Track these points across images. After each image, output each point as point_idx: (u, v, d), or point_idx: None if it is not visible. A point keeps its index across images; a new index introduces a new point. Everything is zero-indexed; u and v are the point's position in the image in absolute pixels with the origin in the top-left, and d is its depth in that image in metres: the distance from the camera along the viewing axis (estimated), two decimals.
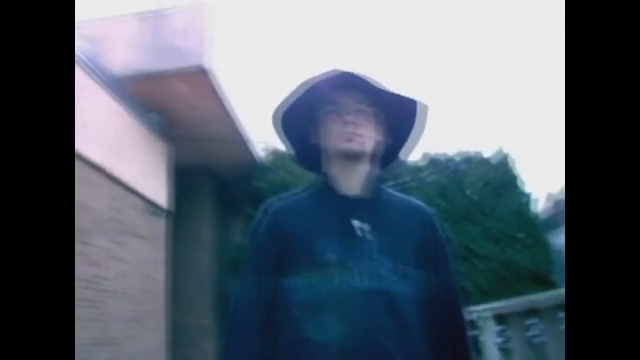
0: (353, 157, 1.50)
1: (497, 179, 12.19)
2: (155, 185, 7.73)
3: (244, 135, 9.44)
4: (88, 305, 5.37)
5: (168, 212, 8.23)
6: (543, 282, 11.04)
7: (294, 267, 1.40)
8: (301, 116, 1.57)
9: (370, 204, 1.50)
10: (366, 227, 1.43)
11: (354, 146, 1.48)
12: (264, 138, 10.82)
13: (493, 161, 12.47)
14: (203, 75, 7.44)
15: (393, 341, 1.32)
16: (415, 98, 1.56)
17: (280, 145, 9.51)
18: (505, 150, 12.70)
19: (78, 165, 5.47)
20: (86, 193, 5.53)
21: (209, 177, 10.65)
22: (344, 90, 1.50)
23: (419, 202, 1.61)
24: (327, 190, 1.53)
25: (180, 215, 8.95)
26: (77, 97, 5.41)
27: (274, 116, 1.58)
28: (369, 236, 1.41)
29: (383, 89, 1.49)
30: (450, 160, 12.43)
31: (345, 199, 1.49)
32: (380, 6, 47.81)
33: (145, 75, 7.39)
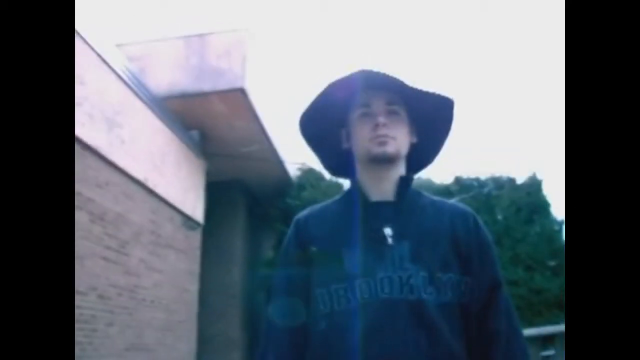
0: (386, 161, 1.41)
1: (529, 204, 12.20)
2: (193, 201, 8.06)
3: (279, 154, 9.74)
4: (126, 312, 5.67)
5: (204, 226, 8.54)
6: None
7: (321, 277, 1.36)
8: (328, 120, 1.51)
9: (404, 210, 1.42)
10: (398, 234, 1.36)
11: (388, 149, 1.39)
12: (300, 158, 11.12)
13: (525, 187, 12.49)
14: (242, 96, 7.75)
15: (423, 355, 1.25)
16: (451, 96, 1.47)
17: (316, 165, 9.74)
18: (539, 177, 12.72)
19: (122, 180, 5.82)
20: (129, 207, 5.86)
21: (243, 193, 10.95)
22: (375, 90, 1.43)
23: (462, 205, 1.51)
24: (357, 196, 1.45)
25: (213, 228, 9.25)
26: (124, 115, 5.78)
27: (300, 120, 1.52)
28: (401, 244, 1.34)
29: (416, 87, 1.41)
30: (482, 184, 12.50)
31: (376, 205, 1.42)
32: (420, 28, 48.04)
33: (187, 95, 7.75)
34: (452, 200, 1.55)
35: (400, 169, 1.46)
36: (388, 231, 1.36)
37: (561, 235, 12.26)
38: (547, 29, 46.70)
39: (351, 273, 1.32)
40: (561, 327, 4.16)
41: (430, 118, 1.50)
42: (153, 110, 6.86)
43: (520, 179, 12.66)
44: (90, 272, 5.04)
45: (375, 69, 1.37)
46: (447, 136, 1.54)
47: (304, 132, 1.54)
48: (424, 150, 1.54)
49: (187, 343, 7.61)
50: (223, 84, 7.72)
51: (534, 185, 12.46)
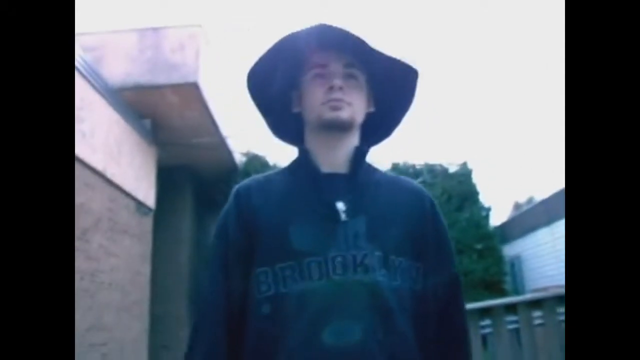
0: (339, 128, 1.28)
1: (460, 192, 13.09)
2: (146, 188, 8.43)
3: (228, 144, 10.19)
4: (87, 295, 6.08)
5: (155, 212, 8.93)
6: (495, 290, 12.04)
7: (265, 255, 1.21)
8: (278, 80, 1.35)
9: (358, 184, 1.28)
10: (352, 210, 1.22)
11: (342, 115, 1.26)
12: (246, 147, 11.64)
13: (457, 176, 13.37)
14: (195, 90, 8.13)
15: (378, 342, 1.13)
16: (416, 67, 1.33)
17: (260, 152, 10.33)
18: (470, 166, 13.63)
19: (83, 171, 6.18)
20: (89, 196, 6.24)
21: (192, 179, 11.32)
22: (332, 50, 1.28)
23: (418, 185, 1.39)
24: (307, 167, 1.30)
25: (163, 213, 9.64)
26: (83, 108, 6.11)
27: (247, 78, 1.35)
28: (355, 221, 1.21)
29: (380, 50, 1.26)
30: (418, 173, 13.29)
31: (328, 177, 1.28)
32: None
33: (141, 87, 8.06)
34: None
35: (354, 139, 1.33)
36: (341, 206, 1.23)
37: (488, 221, 13.29)
38: (483, 23, 48.33)
39: (299, 251, 1.18)
40: (486, 303, 4.81)
41: (392, 87, 1.37)
42: (110, 102, 7.17)
43: (452, 168, 13.50)
44: None
45: (336, 25, 1.21)
46: (407, 109, 1.41)
47: (251, 90, 1.38)
48: (382, 121, 1.41)
49: (141, 322, 8.06)
50: (176, 78, 8.06)
51: (464, 175, 13.34)
